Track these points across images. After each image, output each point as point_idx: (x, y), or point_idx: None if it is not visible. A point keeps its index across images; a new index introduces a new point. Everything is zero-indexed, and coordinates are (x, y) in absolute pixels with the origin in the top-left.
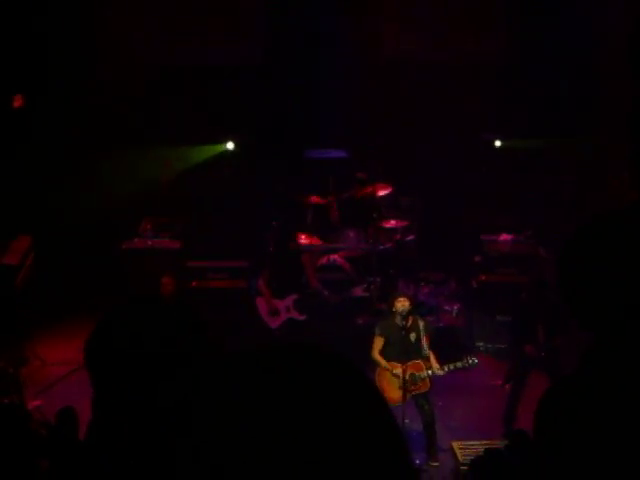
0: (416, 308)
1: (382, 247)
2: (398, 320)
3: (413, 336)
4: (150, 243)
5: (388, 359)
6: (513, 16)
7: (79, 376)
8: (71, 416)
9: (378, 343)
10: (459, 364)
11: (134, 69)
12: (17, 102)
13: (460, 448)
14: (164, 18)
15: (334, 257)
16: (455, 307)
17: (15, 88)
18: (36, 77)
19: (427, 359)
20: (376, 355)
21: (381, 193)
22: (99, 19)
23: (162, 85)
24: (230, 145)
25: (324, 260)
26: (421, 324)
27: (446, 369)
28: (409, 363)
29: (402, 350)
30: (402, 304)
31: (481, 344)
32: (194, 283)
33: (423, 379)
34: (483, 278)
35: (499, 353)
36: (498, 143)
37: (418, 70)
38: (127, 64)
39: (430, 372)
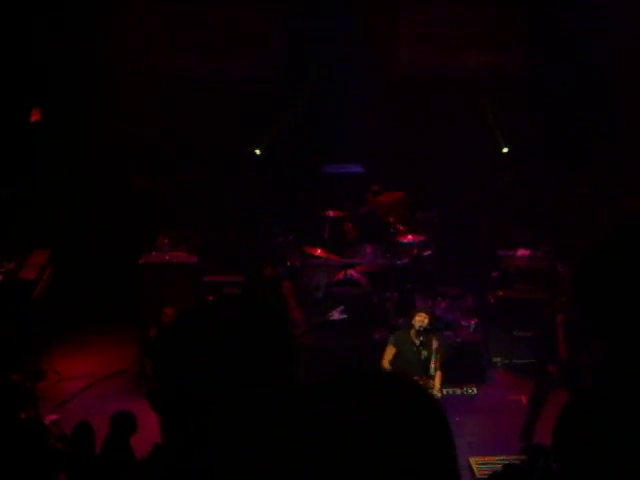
0: (434, 326)
1: (399, 262)
2: (413, 334)
3: (424, 353)
4: (167, 257)
5: (395, 371)
6: (531, 30)
7: (96, 390)
8: (88, 430)
9: (389, 353)
10: (458, 391)
11: (152, 82)
12: (35, 116)
13: (477, 464)
14: (181, 32)
15: (351, 272)
16: (472, 322)
17: (33, 102)
18: (54, 92)
19: (432, 378)
20: (385, 365)
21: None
22: (115, 33)
23: (178, 99)
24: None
25: (341, 275)
26: (434, 343)
27: (444, 392)
28: (414, 379)
29: (410, 365)
30: (421, 319)
31: (498, 359)
32: (210, 298)
33: None
34: (500, 293)
35: (516, 368)
36: (505, 150)
37: (434, 85)
38: (145, 77)
39: (430, 392)
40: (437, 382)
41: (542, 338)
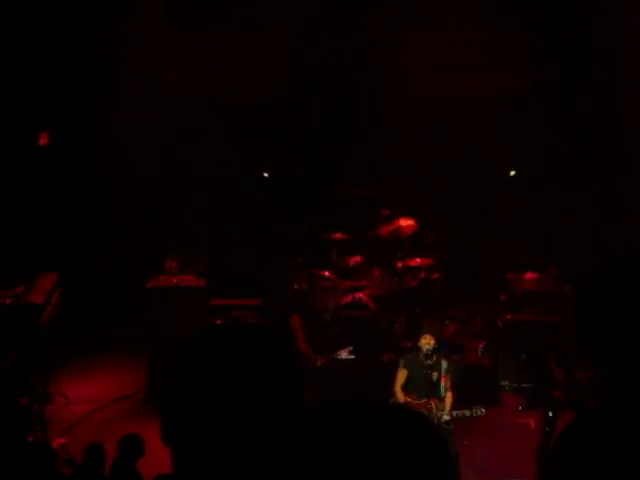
0: (441, 348)
1: (407, 285)
2: (422, 357)
3: (435, 375)
4: (175, 281)
5: (406, 394)
6: (537, 52)
7: (104, 414)
8: (99, 453)
9: (401, 376)
10: (467, 413)
11: (160, 104)
12: (42, 140)
13: None
14: (188, 54)
15: (359, 295)
16: (480, 346)
17: (40, 126)
18: (61, 115)
19: (442, 400)
20: (397, 389)
21: (406, 231)
22: (121, 55)
23: (185, 120)
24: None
25: (349, 298)
26: (444, 364)
27: (454, 414)
28: (424, 401)
29: (422, 387)
30: (427, 342)
31: (506, 383)
32: (218, 321)
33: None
34: (508, 317)
35: (524, 392)
36: (512, 172)
37: (441, 107)
38: (153, 99)
39: (439, 414)
40: (447, 403)
41: (534, 360)
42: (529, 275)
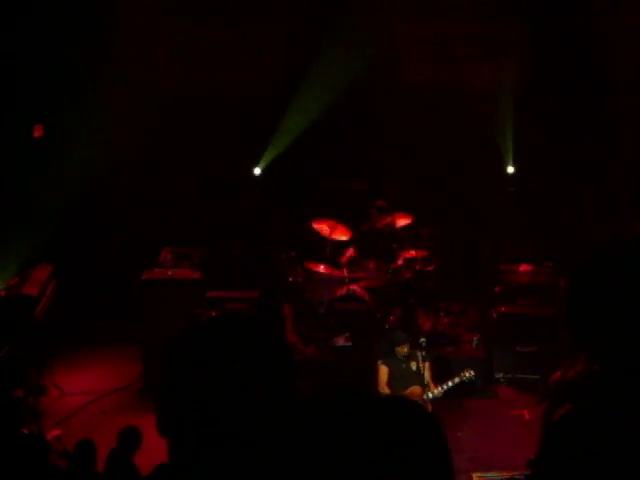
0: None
1: (402, 278)
2: (398, 351)
3: (414, 364)
4: (170, 273)
5: (395, 391)
6: (535, 46)
7: (98, 406)
8: (90, 448)
9: (383, 373)
10: (457, 379)
11: (150, 99)
12: (37, 132)
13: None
14: (180, 50)
15: (353, 287)
16: (474, 338)
17: (35, 118)
18: (55, 108)
19: (427, 386)
20: (383, 387)
21: (401, 223)
22: (116, 48)
23: (177, 116)
24: (257, 170)
25: (343, 291)
26: (419, 354)
27: (445, 387)
28: (408, 391)
29: (404, 379)
30: (403, 350)
31: (501, 375)
32: (213, 313)
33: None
34: (503, 309)
35: (519, 384)
36: (511, 169)
37: (436, 98)
38: (143, 94)
39: (430, 395)
40: (432, 386)
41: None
42: (523, 267)
